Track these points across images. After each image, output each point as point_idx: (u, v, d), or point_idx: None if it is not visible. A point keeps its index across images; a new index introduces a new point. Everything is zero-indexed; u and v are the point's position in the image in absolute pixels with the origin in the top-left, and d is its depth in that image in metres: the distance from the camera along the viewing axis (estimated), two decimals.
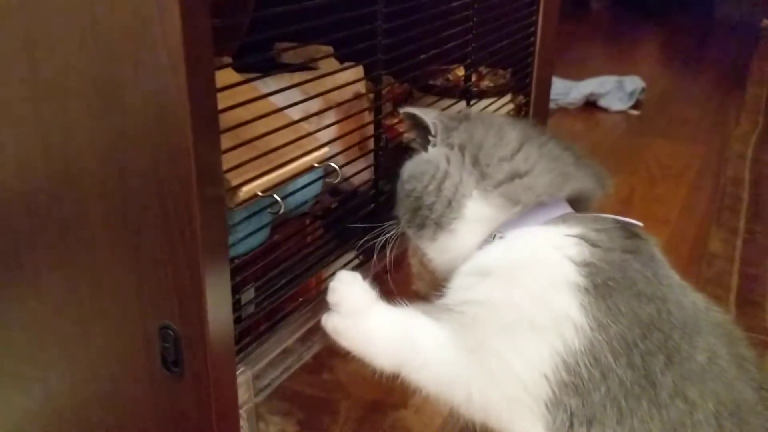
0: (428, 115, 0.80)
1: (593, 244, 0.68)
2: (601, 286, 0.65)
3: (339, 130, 0.91)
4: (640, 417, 0.64)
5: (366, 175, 0.97)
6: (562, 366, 0.64)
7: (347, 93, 0.92)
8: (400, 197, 0.82)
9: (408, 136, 0.85)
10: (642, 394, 0.64)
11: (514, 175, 0.74)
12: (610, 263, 0.66)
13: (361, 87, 0.96)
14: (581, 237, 0.68)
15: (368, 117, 0.95)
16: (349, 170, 0.93)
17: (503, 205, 0.74)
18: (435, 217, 0.77)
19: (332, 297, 0.81)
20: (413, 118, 0.83)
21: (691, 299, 0.71)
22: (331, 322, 0.81)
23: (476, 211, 0.75)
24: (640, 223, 0.72)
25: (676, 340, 0.66)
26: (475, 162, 0.76)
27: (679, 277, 0.75)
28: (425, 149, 0.82)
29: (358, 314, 0.81)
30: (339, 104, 0.88)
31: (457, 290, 0.74)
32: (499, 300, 0.68)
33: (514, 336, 0.67)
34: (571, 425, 0.65)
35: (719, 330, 0.71)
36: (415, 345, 0.77)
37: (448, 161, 0.77)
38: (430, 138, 0.81)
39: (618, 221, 0.72)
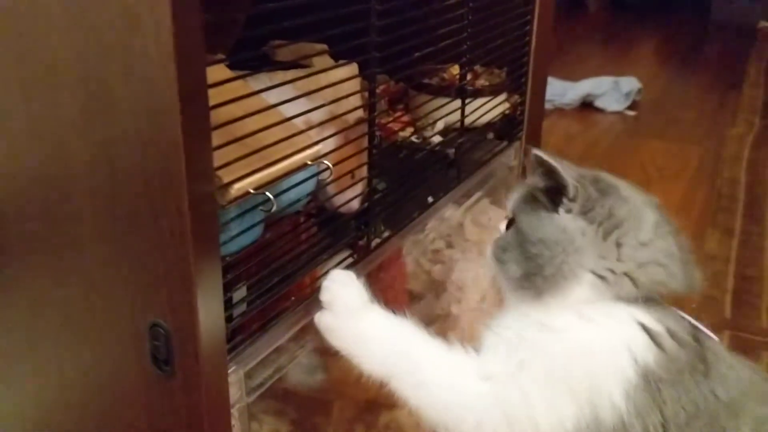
0: (568, 174, 0.72)
1: (662, 348, 0.69)
2: (652, 384, 0.68)
3: (333, 127, 0.90)
4: None
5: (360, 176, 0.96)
6: (584, 430, 0.67)
7: (340, 91, 0.92)
8: (513, 250, 0.75)
9: (532, 181, 0.77)
10: None
11: (640, 265, 0.71)
12: (669, 371, 0.69)
13: (355, 84, 0.95)
14: (655, 338, 0.69)
15: (362, 115, 0.94)
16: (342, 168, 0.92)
17: (618, 289, 0.72)
18: (546, 286, 0.72)
19: (325, 296, 0.81)
20: (546, 166, 0.74)
21: (740, 374, 0.73)
22: (323, 320, 0.81)
23: (590, 289, 0.72)
24: (715, 338, 0.72)
25: (722, 421, 0.69)
26: (610, 243, 0.72)
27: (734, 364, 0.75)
28: (552, 207, 0.74)
29: (350, 315, 0.80)
30: (331, 102, 0.87)
31: (519, 325, 0.74)
32: (554, 354, 0.70)
33: (551, 387, 0.69)
34: None
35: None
36: (412, 359, 0.77)
37: (584, 235, 0.72)
38: (565, 200, 0.73)
39: (694, 326, 0.72)
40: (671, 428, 0.68)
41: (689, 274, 0.74)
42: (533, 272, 0.72)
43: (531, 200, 0.76)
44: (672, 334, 0.70)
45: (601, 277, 0.71)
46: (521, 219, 0.76)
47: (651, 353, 0.68)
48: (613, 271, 0.71)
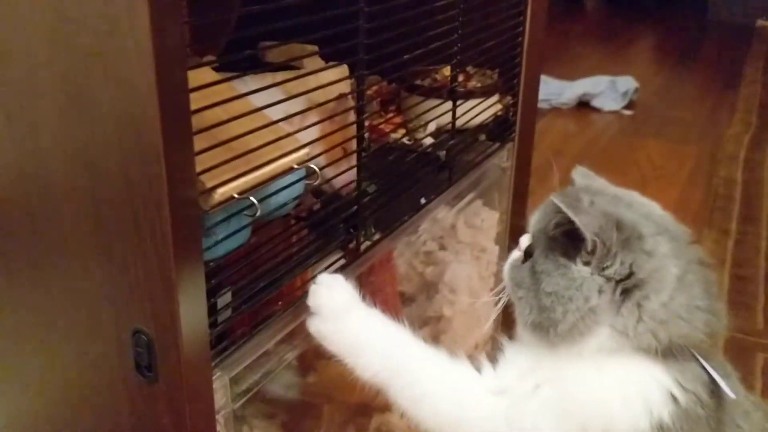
0: (588, 225, 0.66)
1: (678, 404, 0.67)
2: None
3: (321, 130, 0.89)
4: None
5: (349, 177, 0.95)
6: None
7: (330, 93, 0.91)
8: (528, 291, 0.72)
9: (554, 217, 0.72)
10: None
11: (661, 322, 0.68)
12: (683, 427, 0.67)
13: (345, 87, 0.95)
14: (671, 393, 0.67)
15: (351, 117, 0.94)
16: (331, 172, 0.91)
17: (637, 343, 0.69)
18: (559, 340, 0.70)
19: (312, 300, 0.80)
20: (563, 215, 0.69)
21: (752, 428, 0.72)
22: (313, 325, 0.80)
23: (608, 341, 0.69)
24: (733, 395, 0.69)
25: None
26: (629, 302, 0.68)
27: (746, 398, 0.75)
28: (570, 253, 0.69)
29: (339, 319, 0.80)
30: (320, 104, 0.87)
31: (537, 353, 0.73)
32: (569, 392, 0.70)
33: (563, 419, 0.69)
34: None
35: None
36: (411, 371, 0.77)
37: (601, 294, 0.67)
38: (583, 252, 0.68)
39: (714, 382, 0.70)
40: None
41: (713, 322, 0.70)
42: (547, 324, 0.69)
43: (551, 238, 0.71)
44: (689, 391, 0.68)
45: (619, 332, 0.68)
46: (538, 260, 0.71)
47: (666, 408, 0.66)
48: (632, 329, 0.68)
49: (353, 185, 0.95)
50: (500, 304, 0.79)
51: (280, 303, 0.86)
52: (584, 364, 0.70)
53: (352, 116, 0.93)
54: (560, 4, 4.76)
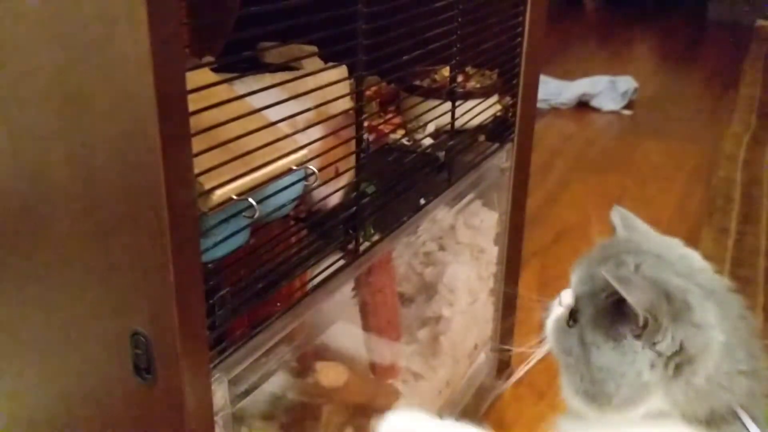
0: (639, 301, 0.65)
1: None
2: None
3: (321, 130, 0.89)
4: None
5: (348, 178, 0.95)
6: None
7: (329, 93, 0.91)
8: (577, 361, 0.71)
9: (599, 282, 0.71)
10: None
11: (709, 393, 0.68)
12: None
13: (344, 87, 0.95)
14: None
15: (350, 118, 0.94)
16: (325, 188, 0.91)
17: (684, 411, 0.69)
18: (610, 410, 0.70)
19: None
20: (612, 287, 0.67)
21: None
22: None
23: (658, 407, 0.69)
24: None
25: None
26: (681, 377, 0.67)
27: None
28: (621, 326, 0.68)
29: None
30: (318, 106, 0.87)
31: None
32: None
33: None
34: None
35: None
36: None
37: (653, 368, 0.67)
38: (635, 327, 0.67)
39: None
40: None
41: (755, 387, 0.69)
42: (600, 396, 0.69)
43: (598, 305, 0.69)
44: None
45: (670, 402, 0.68)
46: (586, 329, 0.70)
47: None
48: (681, 400, 0.68)
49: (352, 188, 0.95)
50: (540, 355, 0.77)
51: (279, 304, 0.86)
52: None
53: (352, 130, 0.93)
54: (560, 4, 4.77)
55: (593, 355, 0.69)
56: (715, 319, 0.67)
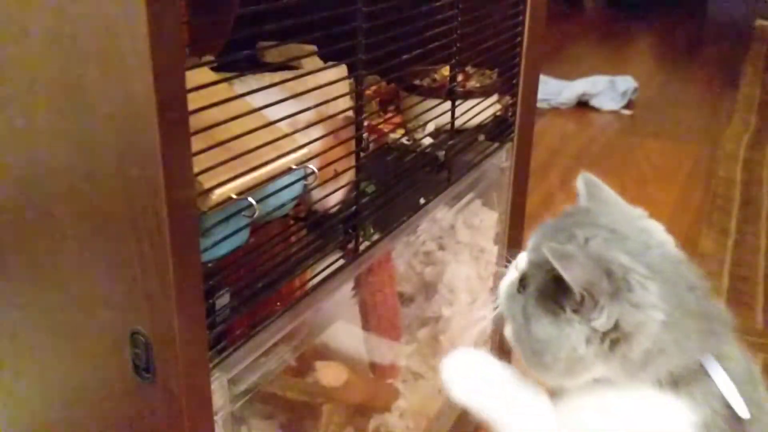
0: (577, 281, 0.66)
1: (697, 426, 0.68)
2: None
3: (321, 130, 0.89)
4: None
5: (347, 178, 0.95)
6: None
7: (329, 93, 0.91)
8: (521, 328, 0.72)
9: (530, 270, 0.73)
10: None
11: (651, 364, 0.69)
12: None
13: (343, 86, 0.94)
14: (688, 418, 0.68)
15: (350, 118, 0.94)
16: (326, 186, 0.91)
17: (631, 380, 0.70)
18: (555, 377, 0.72)
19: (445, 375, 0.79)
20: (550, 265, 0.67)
21: None
22: (449, 376, 0.78)
23: (603, 377, 0.71)
24: (746, 414, 0.68)
25: None
26: (616, 352, 0.68)
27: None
28: (560, 299, 0.69)
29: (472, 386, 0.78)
30: (317, 105, 0.86)
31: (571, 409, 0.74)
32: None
33: None
34: None
35: None
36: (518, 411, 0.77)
37: (588, 344, 0.68)
38: (573, 302, 0.68)
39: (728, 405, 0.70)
40: None
41: (717, 331, 0.71)
42: (539, 365, 0.71)
43: (542, 277, 0.70)
44: (704, 410, 0.68)
45: (613, 373, 0.69)
46: (530, 300, 0.71)
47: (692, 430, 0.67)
48: (623, 372, 0.69)
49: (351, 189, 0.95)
50: (490, 316, 0.79)
51: (278, 303, 0.86)
52: (589, 399, 0.71)
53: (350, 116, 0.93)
54: (559, 3, 4.77)
55: (533, 326, 0.70)
56: (656, 299, 0.67)
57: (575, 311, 0.68)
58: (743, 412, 0.68)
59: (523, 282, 0.73)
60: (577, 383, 0.71)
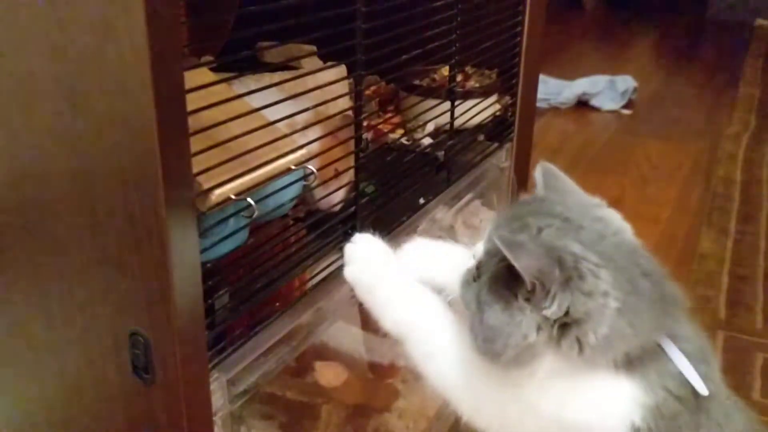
0: (527, 270, 0.66)
1: (651, 406, 0.68)
2: None
3: (320, 130, 0.89)
4: None
5: (346, 178, 0.95)
6: None
7: (328, 93, 0.91)
8: (473, 321, 0.73)
9: (481, 257, 0.73)
10: None
11: (605, 348, 0.69)
12: (661, 420, 0.69)
13: (343, 87, 0.94)
14: (644, 399, 0.69)
15: (349, 118, 0.94)
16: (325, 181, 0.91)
17: (585, 366, 0.70)
18: (505, 365, 0.72)
19: (350, 251, 0.82)
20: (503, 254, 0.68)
21: (734, 427, 0.73)
22: (349, 272, 0.82)
23: (554, 368, 0.71)
24: (704, 391, 0.69)
25: None
26: (567, 339, 0.69)
27: (727, 395, 0.76)
28: (513, 287, 0.69)
29: (372, 271, 0.81)
30: (317, 105, 0.86)
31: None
32: (554, 417, 0.71)
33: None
34: None
35: None
36: (427, 329, 0.79)
37: (538, 331, 0.68)
38: (525, 291, 0.69)
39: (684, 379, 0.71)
40: None
41: (669, 311, 0.72)
42: (489, 353, 0.71)
43: (495, 265, 0.71)
44: (658, 389, 0.69)
45: (564, 360, 0.69)
46: (483, 288, 0.72)
47: (638, 413, 0.68)
48: (575, 358, 0.69)
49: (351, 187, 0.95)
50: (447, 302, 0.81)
51: (278, 304, 0.86)
52: (541, 387, 0.71)
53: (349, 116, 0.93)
54: (559, 3, 4.77)
55: (486, 313, 0.71)
56: (608, 286, 0.68)
57: (527, 299, 0.69)
58: (702, 389, 0.68)
59: (478, 270, 0.74)
60: (527, 373, 0.71)
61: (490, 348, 0.70)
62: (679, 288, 0.73)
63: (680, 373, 0.70)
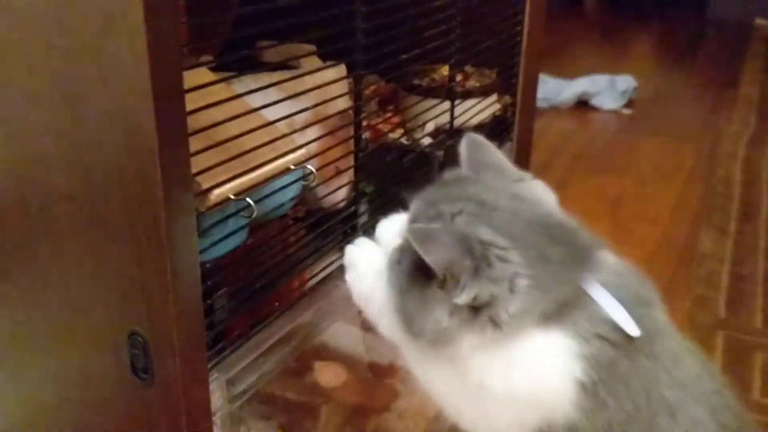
0: (438, 264, 0.67)
1: (587, 356, 0.69)
2: (596, 384, 0.69)
3: (319, 132, 0.89)
4: None
5: (345, 178, 0.95)
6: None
7: (327, 93, 0.91)
8: (393, 303, 0.73)
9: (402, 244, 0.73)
10: None
11: (523, 314, 0.69)
12: (600, 369, 0.69)
13: (342, 86, 0.94)
14: (578, 350, 0.69)
15: (349, 118, 0.93)
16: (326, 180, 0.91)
17: (508, 335, 0.70)
18: (427, 344, 0.73)
19: (347, 257, 0.81)
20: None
21: (684, 371, 0.73)
22: (350, 277, 0.82)
23: (477, 344, 0.71)
24: (635, 332, 0.69)
25: (659, 419, 0.70)
26: (480, 320, 0.69)
27: (679, 341, 0.75)
28: (427, 276, 0.70)
29: (368, 280, 0.80)
30: (316, 105, 0.86)
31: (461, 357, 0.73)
32: (501, 392, 0.71)
33: (509, 412, 0.72)
34: None
35: (707, 400, 0.73)
36: None
37: (451, 316, 0.69)
38: (437, 280, 0.69)
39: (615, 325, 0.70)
40: (614, 428, 0.68)
41: (584, 259, 0.72)
42: (411, 333, 0.72)
43: (413, 253, 0.70)
44: (590, 338, 0.69)
45: (483, 337, 0.69)
46: (401, 273, 0.72)
47: (576, 365, 0.68)
48: (491, 333, 0.69)
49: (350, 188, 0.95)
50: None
51: (277, 304, 0.86)
52: (480, 367, 0.71)
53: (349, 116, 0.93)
54: (559, 3, 4.76)
55: (403, 297, 0.72)
56: (518, 267, 0.68)
57: (440, 287, 0.69)
58: (632, 329, 0.68)
59: (400, 254, 0.75)
60: (454, 353, 0.72)
61: (409, 329, 0.72)
62: (599, 238, 0.74)
63: (611, 318, 0.69)
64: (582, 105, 3.15)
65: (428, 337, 0.71)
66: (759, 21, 4.51)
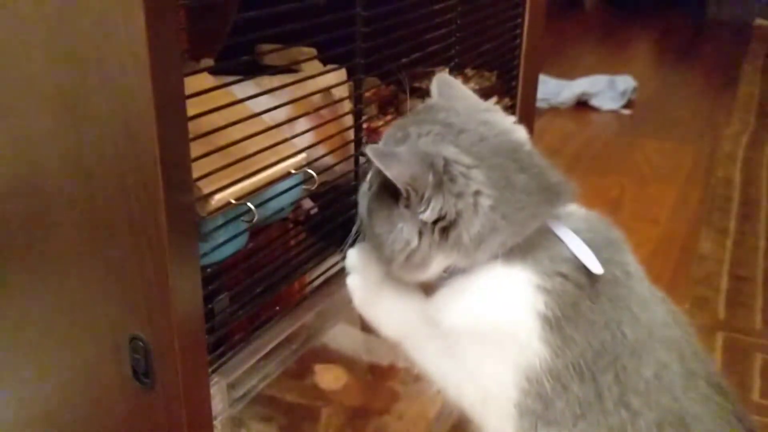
0: (400, 178, 0.69)
1: (550, 291, 0.70)
2: (560, 320, 0.69)
3: (318, 134, 0.89)
4: (590, 422, 0.70)
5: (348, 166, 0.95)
6: (527, 380, 0.70)
7: (328, 96, 0.91)
8: (367, 229, 0.76)
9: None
10: (592, 404, 0.70)
11: (488, 241, 0.71)
12: (565, 309, 0.70)
13: (343, 90, 0.95)
14: (541, 285, 0.70)
15: (348, 121, 0.94)
16: (329, 175, 0.91)
17: (476, 262, 0.73)
18: (394, 269, 0.75)
19: (349, 261, 0.83)
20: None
21: (651, 316, 0.73)
22: (351, 280, 0.82)
23: (442, 265, 0.74)
24: (598, 270, 0.70)
25: (624, 360, 0.70)
26: (448, 240, 0.71)
27: (648, 288, 0.75)
28: (395, 198, 0.71)
29: (371, 284, 0.82)
30: (317, 109, 0.87)
31: (434, 310, 0.75)
32: (469, 329, 0.72)
33: (483, 354, 0.72)
34: (536, 426, 0.71)
35: (674, 346, 0.74)
36: (416, 326, 0.79)
37: (420, 236, 0.71)
38: (403, 198, 0.71)
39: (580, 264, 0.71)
40: (582, 365, 0.69)
41: (545, 210, 0.73)
42: (382, 259, 0.74)
43: (382, 177, 0.72)
44: (553, 275, 0.70)
45: (453, 260, 0.72)
46: (372, 198, 0.74)
47: (539, 300, 0.69)
48: (461, 257, 0.71)
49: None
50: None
51: (277, 307, 0.86)
52: (445, 290, 0.73)
53: (349, 117, 0.93)
54: (559, 3, 4.77)
55: (373, 221, 0.74)
56: (480, 185, 0.70)
57: (406, 206, 0.71)
58: (595, 267, 0.69)
59: (371, 180, 0.76)
60: (426, 276, 0.74)
61: (381, 255, 0.74)
62: (569, 181, 0.75)
63: (575, 258, 0.70)
64: (582, 105, 3.16)
65: (401, 261, 0.72)
66: (759, 21, 4.51)
